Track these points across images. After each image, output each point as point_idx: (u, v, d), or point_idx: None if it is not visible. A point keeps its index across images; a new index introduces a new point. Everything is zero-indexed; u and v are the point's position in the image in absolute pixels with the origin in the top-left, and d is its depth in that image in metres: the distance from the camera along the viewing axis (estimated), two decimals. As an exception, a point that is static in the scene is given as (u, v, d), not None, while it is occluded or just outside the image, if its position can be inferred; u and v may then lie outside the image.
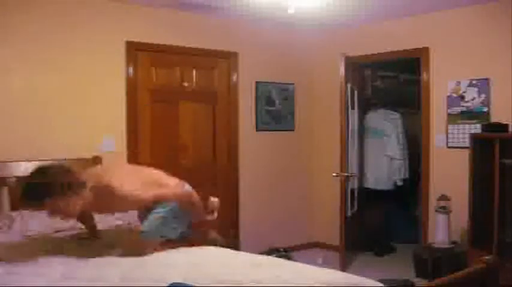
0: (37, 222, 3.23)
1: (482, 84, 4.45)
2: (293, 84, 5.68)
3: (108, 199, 2.61)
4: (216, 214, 3.06)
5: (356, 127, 5.25)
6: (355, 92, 5.20)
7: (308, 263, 2.74)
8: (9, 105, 3.87)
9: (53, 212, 2.60)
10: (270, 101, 5.48)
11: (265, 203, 5.46)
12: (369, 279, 2.42)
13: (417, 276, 4.37)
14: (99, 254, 2.67)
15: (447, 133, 4.71)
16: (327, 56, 5.62)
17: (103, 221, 3.23)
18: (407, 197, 5.97)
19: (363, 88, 5.75)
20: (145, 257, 2.64)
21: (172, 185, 2.87)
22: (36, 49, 3.99)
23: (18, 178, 3.75)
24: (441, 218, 4.37)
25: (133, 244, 2.75)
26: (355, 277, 2.44)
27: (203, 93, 5.01)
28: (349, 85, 4.91)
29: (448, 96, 4.69)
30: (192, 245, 2.88)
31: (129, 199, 2.64)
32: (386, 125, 5.67)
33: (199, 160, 4.98)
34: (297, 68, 5.72)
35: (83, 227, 3.13)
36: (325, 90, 5.69)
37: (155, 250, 2.71)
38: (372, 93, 5.98)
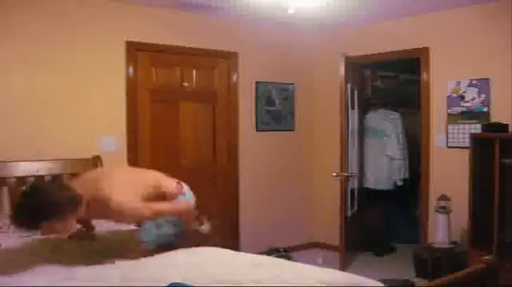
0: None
1: (482, 84, 4.45)
2: (293, 84, 5.68)
3: (106, 213, 2.55)
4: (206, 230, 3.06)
5: (356, 127, 5.25)
6: (355, 92, 5.20)
7: (308, 263, 2.74)
8: (9, 105, 3.87)
9: (48, 233, 2.54)
10: (270, 101, 5.48)
11: (265, 203, 5.46)
12: (369, 279, 2.42)
13: (417, 276, 4.37)
14: (98, 260, 2.60)
15: (447, 133, 4.71)
16: (327, 56, 5.62)
17: (100, 223, 3.21)
18: (407, 197, 5.97)
19: (363, 88, 5.75)
20: (146, 258, 2.65)
21: (171, 189, 2.81)
22: (36, 49, 3.99)
23: (18, 178, 3.77)
24: (441, 218, 4.37)
25: (131, 253, 2.72)
26: (355, 276, 2.44)
27: (203, 93, 5.01)
28: (349, 85, 4.91)
29: (448, 96, 4.69)
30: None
31: (127, 214, 2.57)
32: (387, 125, 5.67)
33: (199, 160, 4.98)
34: (297, 68, 5.72)
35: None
36: (325, 90, 5.70)
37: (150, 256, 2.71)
38: (372, 93, 5.98)
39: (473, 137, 4.18)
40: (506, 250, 3.78)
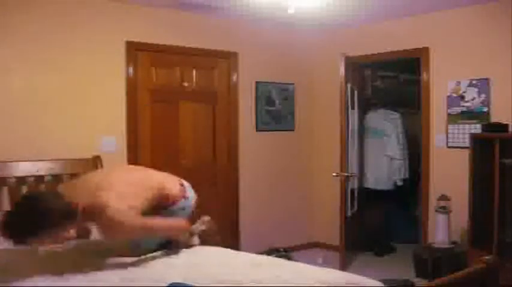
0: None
1: (482, 84, 4.45)
2: (293, 84, 5.68)
3: (100, 221, 2.47)
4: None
5: (356, 127, 5.25)
6: (355, 92, 5.20)
7: (308, 263, 2.74)
8: (9, 105, 3.87)
9: (42, 245, 2.45)
10: (270, 101, 5.48)
11: (265, 203, 5.46)
12: (369, 279, 2.42)
13: (417, 276, 4.37)
14: (93, 263, 2.57)
15: (447, 133, 4.71)
16: (327, 56, 5.62)
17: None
18: (407, 197, 5.97)
19: (363, 88, 5.75)
20: (145, 257, 2.65)
21: (174, 192, 2.77)
22: (36, 49, 3.99)
23: (18, 178, 3.77)
24: (441, 218, 4.37)
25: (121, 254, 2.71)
26: (355, 276, 2.44)
27: (203, 93, 5.01)
28: (349, 85, 4.91)
29: (448, 96, 4.69)
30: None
31: (119, 227, 2.42)
32: (387, 125, 5.67)
33: (199, 160, 4.98)
34: (297, 68, 5.72)
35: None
36: (325, 90, 5.70)
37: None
38: (372, 93, 5.98)
39: (473, 137, 4.18)
40: (506, 250, 3.78)
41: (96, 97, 4.29)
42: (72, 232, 2.42)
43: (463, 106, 4.59)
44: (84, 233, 3.01)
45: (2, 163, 3.70)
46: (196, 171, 4.78)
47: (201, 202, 3.04)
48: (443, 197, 4.42)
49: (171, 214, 2.75)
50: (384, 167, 5.67)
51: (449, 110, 4.69)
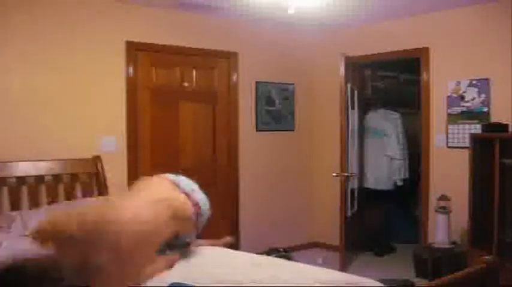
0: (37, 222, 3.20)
1: (482, 84, 4.45)
2: (293, 84, 5.68)
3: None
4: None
5: (356, 127, 5.25)
6: (355, 92, 5.21)
7: (308, 263, 2.74)
8: (9, 105, 3.87)
9: None
10: (270, 101, 5.48)
11: (265, 203, 5.46)
12: (369, 279, 2.42)
13: (417, 276, 4.37)
14: None
15: (447, 133, 4.71)
16: (327, 56, 5.63)
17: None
18: (407, 197, 5.98)
19: (363, 88, 5.75)
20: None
21: (188, 213, 2.57)
22: (36, 49, 3.99)
23: (18, 178, 3.77)
24: (441, 218, 4.37)
25: None
26: (355, 276, 2.44)
27: (203, 93, 5.01)
28: (349, 85, 4.91)
29: (448, 96, 4.69)
30: None
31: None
32: (387, 125, 5.67)
33: (199, 160, 4.98)
34: (297, 68, 5.72)
35: None
36: (325, 90, 5.70)
37: None
38: (372, 93, 5.98)
39: (473, 137, 4.18)
40: (506, 250, 3.78)
41: (96, 97, 4.29)
42: None
43: (463, 106, 4.59)
44: None
45: (2, 163, 3.70)
46: (196, 171, 4.75)
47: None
48: (443, 197, 4.42)
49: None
50: (384, 167, 5.67)
51: (449, 110, 4.69)
